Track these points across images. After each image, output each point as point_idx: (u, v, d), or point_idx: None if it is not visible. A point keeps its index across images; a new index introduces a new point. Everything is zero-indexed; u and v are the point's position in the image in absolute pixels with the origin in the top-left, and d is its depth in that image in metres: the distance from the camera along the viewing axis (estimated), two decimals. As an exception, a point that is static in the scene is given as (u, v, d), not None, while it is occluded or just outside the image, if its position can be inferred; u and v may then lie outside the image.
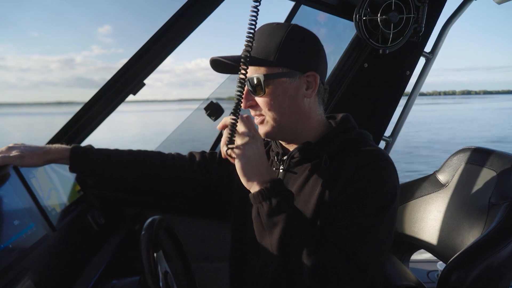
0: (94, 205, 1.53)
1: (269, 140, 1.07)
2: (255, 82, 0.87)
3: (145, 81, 1.55)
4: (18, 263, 0.96)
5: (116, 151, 1.16)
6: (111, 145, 1.23)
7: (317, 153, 0.92)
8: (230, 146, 0.82)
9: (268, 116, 0.91)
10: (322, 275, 0.76)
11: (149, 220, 1.12)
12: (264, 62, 0.87)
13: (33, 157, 1.07)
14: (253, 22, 0.75)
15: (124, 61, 1.52)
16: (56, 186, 1.37)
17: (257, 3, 0.74)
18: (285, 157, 0.98)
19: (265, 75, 0.86)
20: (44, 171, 1.35)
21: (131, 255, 1.47)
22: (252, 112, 0.95)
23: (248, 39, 0.76)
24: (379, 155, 0.88)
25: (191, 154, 1.22)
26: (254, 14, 0.75)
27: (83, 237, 1.34)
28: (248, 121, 0.85)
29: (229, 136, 0.82)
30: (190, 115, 1.90)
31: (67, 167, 1.35)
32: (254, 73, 0.88)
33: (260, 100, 0.90)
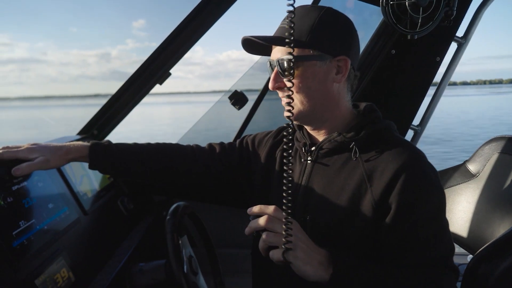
0: (123, 192, 1.59)
1: (291, 127, 1.06)
2: (285, 63, 0.86)
3: (174, 72, 1.58)
4: (53, 243, 1.02)
5: (135, 146, 1.15)
6: (147, 134, 1.22)
7: (347, 144, 0.91)
8: (288, 247, 0.73)
9: (296, 98, 0.89)
10: None
11: (174, 206, 1.16)
12: (296, 43, 0.83)
13: (56, 159, 1.06)
14: (291, 7, 0.69)
15: None
16: (88, 172, 1.43)
17: None
18: (313, 148, 0.97)
19: (295, 57, 0.83)
20: (77, 158, 1.41)
21: (158, 239, 1.52)
22: (280, 94, 0.94)
23: (288, 20, 0.71)
24: (413, 150, 0.88)
25: (211, 146, 1.21)
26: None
27: (113, 221, 1.40)
28: (279, 219, 0.76)
29: (285, 239, 0.73)
30: (212, 106, 1.91)
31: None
32: (284, 54, 0.87)
33: (288, 82, 0.87)
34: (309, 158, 0.98)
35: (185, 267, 1.10)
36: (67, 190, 1.22)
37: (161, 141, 1.24)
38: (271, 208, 0.77)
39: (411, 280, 0.81)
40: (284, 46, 0.84)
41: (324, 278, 0.75)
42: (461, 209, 1.31)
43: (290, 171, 0.74)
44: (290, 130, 0.74)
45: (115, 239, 1.32)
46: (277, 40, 0.87)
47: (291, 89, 0.88)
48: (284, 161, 0.74)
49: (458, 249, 1.44)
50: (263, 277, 1.07)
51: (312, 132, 0.99)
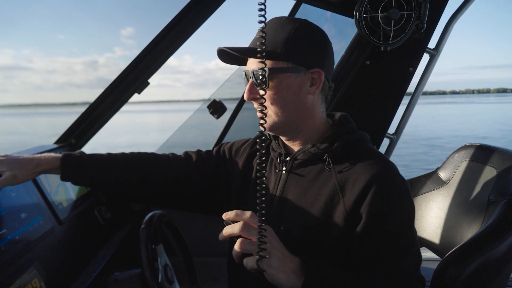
0: (101, 201, 1.58)
1: (266, 137, 1.07)
2: (260, 74, 0.86)
3: (162, 81, 1.61)
4: (24, 254, 1.01)
5: (109, 156, 1.13)
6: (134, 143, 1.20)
7: (321, 155, 0.92)
8: (261, 255, 0.72)
9: (271, 110, 0.90)
10: None
11: (149, 215, 1.16)
12: (270, 55, 0.86)
13: (24, 173, 1.02)
14: (263, 18, 0.68)
15: None
16: (64, 182, 1.42)
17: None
18: (288, 158, 0.98)
19: (270, 69, 0.85)
20: (53, 167, 1.40)
21: (135, 248, 1.51)
22: (255, 105, 0.94)
23: (261, 33, 0.71)
24: (385, 161, 0.90)
25: (187, 154, 1.20)
26: (263, 10, 0.72)
27: (89, 231, 1.39)
28: (249, 224, 0.75)
29: (259, 248, 0.72)
30: (190, 116, 1.93)
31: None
32: (259, 65, 0.86)
33: (261, 90, 0.88)
34: (283, 169, 0.98)
35: (160, 276, 1.10)
36: (41, 200, 1.21)
37: (147, 149, 1.22)
38: (247, 214, 0.76)
39: None
40: (257, 58, 0.87)
41: (297, 286, 0.75)
42: (432, 215, 1.34)
43: (264, 179, 0.74)
44: (263, 140, 0.75)
45: (90, 248, 1.31)
46: (251, 51, 0.88)
47: (265, 100, 0.90)
48: (257, 168, 0.74)
49: (430, 254, 1.48)
50: (238, 285, 1.08)
51: (287, 143, 1.00)
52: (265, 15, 0.70)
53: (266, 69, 0.85)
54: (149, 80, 1.59)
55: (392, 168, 0.89)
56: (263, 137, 0.74)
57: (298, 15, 1.57)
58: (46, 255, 1.08)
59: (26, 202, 1.13)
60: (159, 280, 1.08)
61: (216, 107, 1.56)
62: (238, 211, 0.78)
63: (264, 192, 0.73)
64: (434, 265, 1.16)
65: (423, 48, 1.58)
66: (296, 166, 0.96)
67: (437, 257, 1.36)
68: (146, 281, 1.00)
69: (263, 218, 0.72)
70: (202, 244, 1.76)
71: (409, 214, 0.88)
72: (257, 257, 0.72)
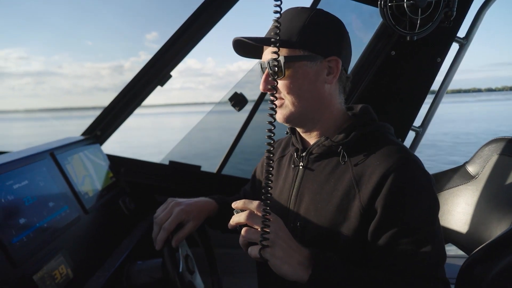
0: (125, 191, 1.62)
1: (287, 130, 1.06)
2: (276, 64, 0.85)
3: (185, 83, 1.63)
4: (52, 241, 1.04)
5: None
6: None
7: (335, 148, 0.90)
8: (264, 244, 0.73)
9: (287, 99, 0.89)
10: None
11: None
12: (285, 43, 0.85)
13: (197, 222, 1.09)
14: (278, 8, 0.70)
15: None
16: (90, 172, 1.46)
17: None
18: (303, 154, 0.97)
19: (285, 57, 0.84)
20: (79, 158, 1.45)
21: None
22: (271, 96, 0.94)
23: (276, 22, 0.72)
24: (404, 152, 0.85)
25: (244, 191, 1.28)
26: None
27: (113, 221, 1.43)
28: (256, 214, 0.76)
29: (262, 238, 0.73)
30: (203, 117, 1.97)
31: (101, 155, 1.43)
32: (274, 55, 0.86)
33: (279, 83, 0.88)
34: (300, 164, 0.97)
35: (181, 265, 1.12)
36: (68, 189, 1.25)
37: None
38: (254, 204, 0.77)
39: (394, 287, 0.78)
40: (272, 46, 0.85)
41: (303, 278, 0.74)
42: (459, 210, 1.30)
43: (271, 169, 0.73)
44: (272, 125, 0.73)
45: (115, 238, 1.35)
46: (265, 40, 0.87)
47: (282, 90, 0.89)
48: (266, 154, 0.74)
49: (456, 251, 1.43)
50: (267, 276, 1.08)
51: (304, 135, 0.99)
52: (281, 5, 0.70)
53: (281, 57, 0.84)
54: (171, 73, 1.60)
55: (412, 159, 0.85)
56: (273, 121, 0.73)
57: (321, 6, 1.53)
58: (72, 243, 1.12)
59: (53, 192, 1.17)
60: (180, 270, 1.09)
61: (237, 100, 1.55)
62: (247, 200, 0.78)
63: (270, 181, 0.72)
64: (460, 262, 1.12)
65: (452, 37, 1.52)
66: (312, 160, 0.95)
67: (463, 253, 1.32)
68: (168, 271, 1.02)
69: (267, 208, 0.72)
70: (223, 235, 1.78)
71: (430, 208, 0.83)
72: (260, 246, 0.73)
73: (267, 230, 0.72)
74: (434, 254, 0.81)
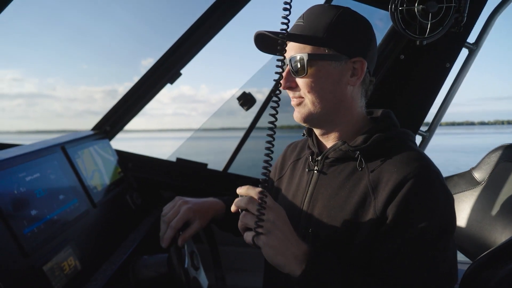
0: (133, 186, 1.64)
1: (304, 133, 1.02)
2: (298, 61, 0.82)
3: (178, 110, 1.66)
4: (61, 233, 1.07)
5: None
6: None
7: (352, 153, 0.86)
8: (257, 231, 0.72)
9: (308, 98, 0.85)
10: None
11: None
12: (310, 40, 0.82)
13: (204, 221, 1.08)
14: (288, 6, 0.68)
15: (162, 91, 1.66)
16: (99, 166, 1.49)
17: None
18: (319, 158, 0.93)
19: (309, 55, 0.81)
20: (89, 153, 1.47)
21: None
22: (291, 94, 0.89)
23: (285, 16, 0.69)
24: (424, 161, 0.81)
25: None
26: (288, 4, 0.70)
27: (121, 215, 1.45)
28: (255, 199, 0.74)
29: (256, 223, 0.72)
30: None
31: (110, 150, 1.46)
32: (298, 51, 0.83)
33: (300, 81, 0.85)
34: (315, 168, 0.94)
35: (186, 261, 1.13)
36: (77, 183, 1.28)
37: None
38: (256, 190, 0.74)
39: None
40: (298, 42, 0.82)
41: (295, 272, 0.72)
42: (464, 216, 1.30)
43: (271, 152, 0.71)
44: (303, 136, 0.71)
45: (122, 231, 1.37)
46: (290, 35, 0.82)
47: (303, 89, 0.84)
48: (268, 137, 0.71)
49: (461, 257, 1.44)
50: (272, 274, 1.06)
51: (321, 138, 0.95)
52: (290, 9, 0.68)
53: (304, 55, 0.81)
54: (181, 71, 1.62)
55: (432, 170, 0.80)
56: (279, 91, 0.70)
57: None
58: (81, 236, 1.14)
59: (64, 185, 1.20)
60: (185, 266, 1.11)
61: (246, 99, 1.57)
62: (250, 186, 0.76)
63: (268, 165, 0.71)
64: (464, 267, 1.13)
65: (462, 43, 1.51)
66: (327, 165, 0.91)
67: (467, 259, 1.32)
68: (173, 266, 1.03)
69: (264, 196, 0.71)
70: (227, 233, 1.80)
71: (443, 225, 0.77)
72: (254, 233, 0.72)
73: (262, 218, 0.71)
74: (440, 276, 0.76)
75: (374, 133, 0.86)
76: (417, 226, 0.76)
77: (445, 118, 1.75)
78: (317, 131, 0.95)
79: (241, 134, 1.84)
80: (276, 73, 0.72)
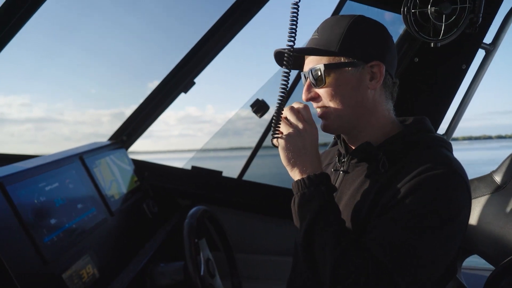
0: (149, 195, 1.66)
1: (333, 135, 1.04)
2: (316, 72, 0.86)
3: (184, 130, 1.69)
4: (80, 241, 1.09)
5: None
6: None
7: (376, 155, 0.86)
8: (274, 136, 0.83)
9: (330, 107, 0.87)
10: (345, 278, 0.72)
11: (193, 209, 1.20)
12: (325, 52, 0.85)
13: None
14: (295, 13, 0.77)
15: (168, 113, 1.74)
16: (116, 175, 1.52)
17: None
18: (345, 159, 0.94)
19: (325, 65, 0.85)
20: (106, 162, 1.50)
21: (180, 242, 1.58)
22: (314, 105, 0.92)
23: (291, 29, 0.77)
24: (449, 163, 0.78)
25: None
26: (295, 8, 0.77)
27: (138, 223, 1.47)
28: (297, 112, 0.84)
29: (272, 126, 0.83)
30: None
31: (126, 159, 1.48)
32: (315, 63, 0.87)
33: (321, 91, 0.88)
34: (342, 169, 0.95)
35: (202, 269, 1.14)
36: (95, 192, 1.30)
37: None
38: (300, 104, 0.86)
39: (343, 251, 0.73)
40: (315, 55, 0.88)
41: (293, 178, 0.80)
42: (486, 221, 1.26)
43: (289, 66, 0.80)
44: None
45: (139, 240, 1.39)
46: (306, 50, 0.88)
47: (325, 99, 0.89)
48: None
49: (483, 263, 1.39)
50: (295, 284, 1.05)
51: (349, 142, 0.96)
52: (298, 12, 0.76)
53: (320, 65, 0.85)
54: (195, 80, 1.64)
55: (455, 170, 0.77)
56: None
57: (342, 13, 1.54)
58: (99, 244, 1.16)
59: (82, 194, 1.22)
60: (201, 273, 1.12)
61: (259, 106, 1.57)
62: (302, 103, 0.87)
63: (287, 74, 0.80)
64: (487, 274, 1.10)
65: (478, 44, 1.48)
66: (353, 165, 0.92)
67: (490, 266, 1.28)
68: (189, 274, 1.04)
69: (280, 105, 0.81)
70: (243, 241, 1.80)
71: (431, 219, 0.73)
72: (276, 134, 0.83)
73: (279, 125, 0.82)
74: (419, 270, 0.73)
75: (402, 136, 0.87)
76: (415, 211, 0.74)
77: (462, 133, 1.65)
78: (345, 137, 0.97)
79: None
80: (283, 76, 0.82)
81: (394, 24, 1.58)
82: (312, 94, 0.89)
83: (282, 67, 0.93)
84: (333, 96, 0.86)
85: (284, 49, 0.84)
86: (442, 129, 1.64)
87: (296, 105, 0.85)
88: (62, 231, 1.05)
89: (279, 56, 0.91)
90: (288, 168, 0.82)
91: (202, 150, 2.41)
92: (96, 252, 1.12)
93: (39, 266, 0.92)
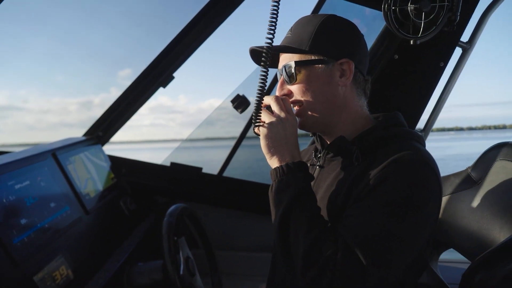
0: (127, 192, 1.62)
1: (309, 132, 1.03)
2: (289, 69, 0.88)
3: (156, 120, 1.67)
4: (53, 241, 1.04)
5: None
6: None
7: (350, 149, 0.88)
8: (255, 124, 0.85)
9: (303, 104, 0.90)
10: (316, 261, 0.73)
11: (173, 207, 1.17)
12: (296, 50, 0.88)
13: None
14: (275, 11, 0.78)
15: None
16: (91, 173, 1.46)
17: None
18: (320, 154, 0.97)
19: (296, 62, 0.87)
20: (81, 159, 1.45)
21: (159, 240, 1.54)
22: (290, 102, 0.93)
23: (270, 27, 0.78)
24: (418, 153, 0.81)
25: None
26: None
27: (114, 221, 1.42)
28: (280, 102, 0.86)
29: (253, 114, 0.84)
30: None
31: (102, 155, 1.44)
32: (288, 61, 0.89)
33: (293, 88, 0.90)
34: (318, 163, 0.98)
35: (181, 267, 1.11)
36: (69, 190, 1.25)
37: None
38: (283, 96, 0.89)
39: (317, 237, 0.74)
40: (284, 52, 0.89)
41: (271, 166, 0.82)
42: (462, 215, 1.29)
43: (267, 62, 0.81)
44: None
45: (115, 238, 1.35)
46: (278, 47, 0.89)
47: (297, 95, 0.91)
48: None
49: (459, 257, 1.43)
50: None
51: (325, 138, 0.99)
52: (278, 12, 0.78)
53: (291, 63, 0.87)
54: (174, 74, 1.60)
55: (421, 159, 0.80)
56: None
57: (323, 10, 1.53)
58: (73, 244, 1.12)
59: (55, 192, 1.17)
60: (181, 272, 1.09)
61: (240, 101, 1.55)
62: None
63: (265, 69, 0.81)
64: (463, 266, 1.12)
65: (456, 42, 1.51)
66: (328, 160, 0.95)
67: (466, 259, 1.31)
68: (168, 273, 1.02)
69: (259, 95, 0.82)
70: (223, 237, 1.78)
71: (401, 205, 0.75)
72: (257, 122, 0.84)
73: (259, 114, 0.84)
74: (387, 258, 0.75)
75: (374, 131, 0.89)
76: (380, 195, 0.77)
77: (435, 125, 1.77)
78: (320, 133, 0.99)
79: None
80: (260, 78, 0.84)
81: (375, 21, 1.59)
82: (285, 91, 0.92)
83: (259, 65, 0.95)
84: (304, 93, 0.89)
85: (259, 47, 0.88)
86: (421, 123, 1.67)
87: (282, 96, 0.88)
88: (33, 231, 1.00)
89: (254, 54, 0.94)
90: (268, 156, 0.84)
91: (186, 141, 2.36)
92: (70, 252, 1.07)
93: (8, 268, 0.87)
